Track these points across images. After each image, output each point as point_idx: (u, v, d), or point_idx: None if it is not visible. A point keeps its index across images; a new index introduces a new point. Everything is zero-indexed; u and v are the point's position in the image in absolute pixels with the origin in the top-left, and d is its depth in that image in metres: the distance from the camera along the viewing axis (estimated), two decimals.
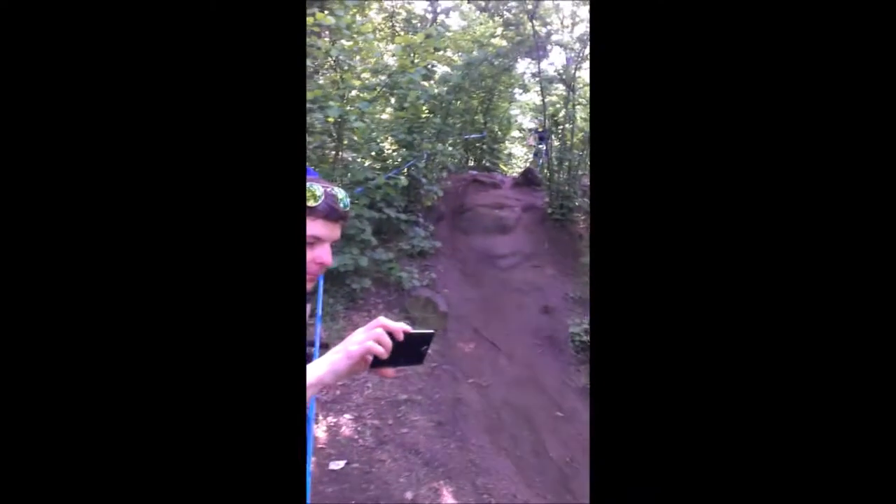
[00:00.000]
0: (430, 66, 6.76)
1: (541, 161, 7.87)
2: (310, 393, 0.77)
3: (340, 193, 0.87)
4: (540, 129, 7.61)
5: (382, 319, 0.76)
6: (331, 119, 4.45)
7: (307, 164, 0.86)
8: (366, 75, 5.50)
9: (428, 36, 5.68)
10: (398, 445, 3.01)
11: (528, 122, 8.52)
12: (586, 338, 4.71)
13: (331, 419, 3.18)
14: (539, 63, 6.91)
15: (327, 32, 4.86)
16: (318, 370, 0.77)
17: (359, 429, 3.06)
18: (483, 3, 7.58)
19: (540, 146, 7.78)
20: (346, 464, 2.74)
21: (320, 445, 2.94)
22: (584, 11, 7.22)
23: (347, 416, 3.16)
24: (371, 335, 0.75)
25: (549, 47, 6.97)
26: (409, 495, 2.66)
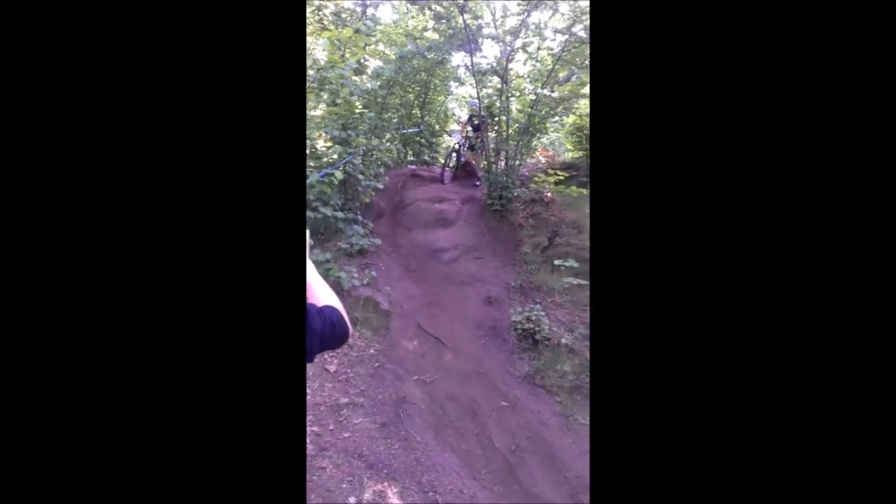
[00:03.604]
0: (361, 61, 6.63)
1: (477, 151, 7.77)
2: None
3: None
4: (475, 117, 7.47)
5: None
6: None
7: None
8: None
9: (357, 30, 5.57)
10: (340, 450, 2.95)
11: (464, 115, 8.35)
12: (528, 325, 4.79)
13: None
14: (472, 56, 6.91)
15: None
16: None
17: None
18: None
19: (474, 135, 7.55)
20: None
21: None
22: (514, 5, 7.31)
23: None
24: None
25: (480, 41, 6.98)
26: (352, 500, 2.62)
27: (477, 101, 7.52)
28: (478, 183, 7.44)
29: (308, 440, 2.98)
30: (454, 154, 7.79)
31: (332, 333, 0.97)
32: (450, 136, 8.90)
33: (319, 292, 1.06)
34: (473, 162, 7.70)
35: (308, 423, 3.14)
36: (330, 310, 1.00)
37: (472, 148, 7.63)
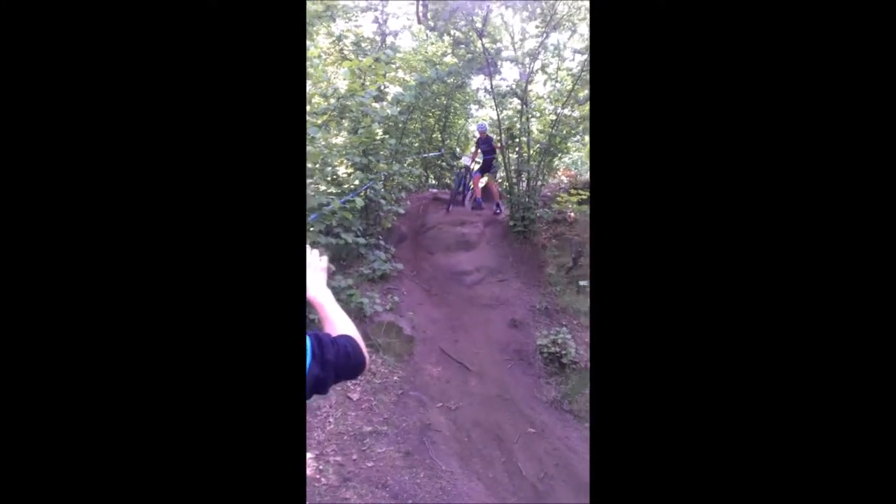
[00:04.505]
0: (382, 88, 6.75)
1: (491, 174, 7.45)
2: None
3: None
4: (497, 139, 7.08)
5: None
6: None
7: None
8: (316, 100, 5.44)
9: (377, 59, 5.67)
10: (363, 480, 2.89)
11: (476, 132, 7.63)
12: (554, 349, 4.69)
13: None
14: (491, 79, 6.97)
15: None
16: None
17: (321, 467, 2.93)
18: (432, 23, 7.65)
19: (487, 158, 7.19)
20: None
21: None
22: (532, 27, 7.36)
23: (308, 454, 3.03)
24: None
25: (499, 64, 7.04)
26: None
27: (485, 122, 7.43)
28: (498, 210, 7.24)
29: (331, 470, 2.94)
30: (461, 178, 7.59)
31: (347, 363, 0.94)
32: (460, 159, 8.60)
33: (336, 321, 1.04)
34: (494, 186, 7.59)
35: (331, 453, 3.10)
36: (345, 339, 0.98)
37: (485, 170, 7.40)
